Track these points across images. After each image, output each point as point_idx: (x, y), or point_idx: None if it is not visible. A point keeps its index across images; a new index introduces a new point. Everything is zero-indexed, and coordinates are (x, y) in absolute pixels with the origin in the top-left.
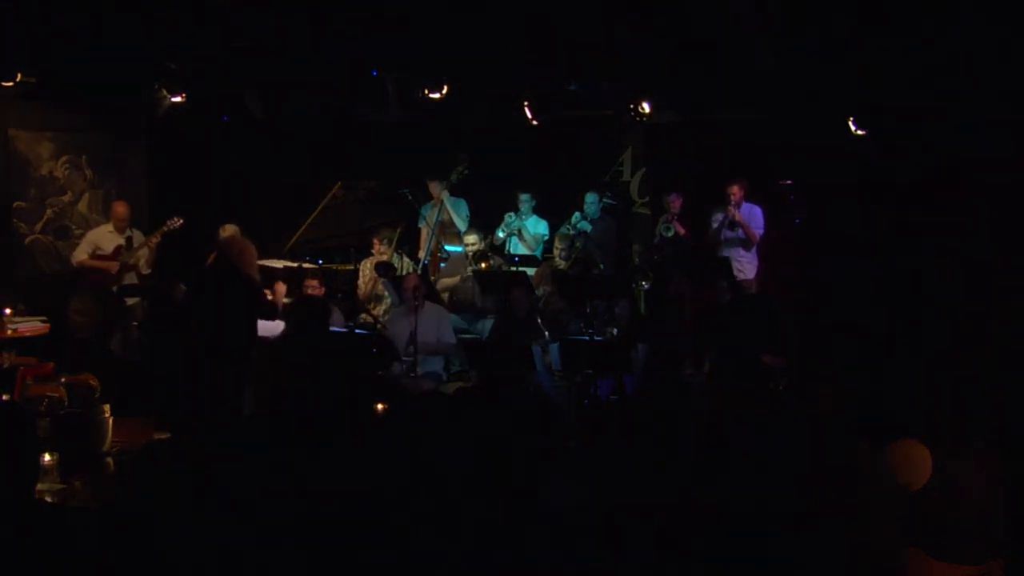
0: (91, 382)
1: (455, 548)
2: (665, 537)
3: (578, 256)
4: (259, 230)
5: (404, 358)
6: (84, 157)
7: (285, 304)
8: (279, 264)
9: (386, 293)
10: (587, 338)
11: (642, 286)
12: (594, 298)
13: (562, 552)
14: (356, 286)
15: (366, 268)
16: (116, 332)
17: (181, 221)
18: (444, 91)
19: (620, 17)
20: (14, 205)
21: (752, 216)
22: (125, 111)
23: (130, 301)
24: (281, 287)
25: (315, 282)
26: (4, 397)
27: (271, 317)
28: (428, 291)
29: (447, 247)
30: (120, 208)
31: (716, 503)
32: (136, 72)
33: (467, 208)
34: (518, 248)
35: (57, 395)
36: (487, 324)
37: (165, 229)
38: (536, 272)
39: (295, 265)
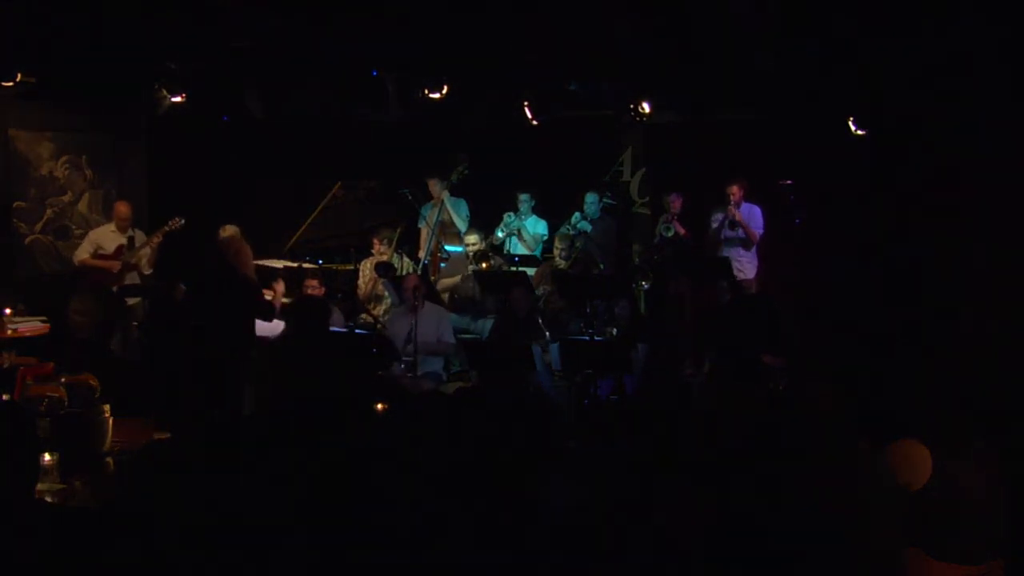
0: (91, 382)
1: (455, 548)
2: (665, 537)
3: (578, 256)
4: (259, 230)
5: (404, 358)
6: (84, 157)
7: (284, 304)
8: (279, 264)
9: (386, 293)
10: (587, 338)
11: (642, 286)
12: (594, 298)
13: (562, 552)
14: (356, 286)
15: (366, 268)
16: (116, 332)
17: (183, 221)
18: (444, 91)
19: (620, 17)
20: (14, 205)
21: (752, 216)
22: (125, 111)
23: (131, 301)
24: (280, 286)
25: (315, 282)
26: (4, 397)
27: (269, 317)
28: (428, 291)
29: (447, 247)
30: (122, 208)
31: (716, 503)
32: (136, 72)
33: (467, 208)
34: (517, 248)
35: (57, 395)
36: (487, 324)
37: (167, 229)
38: (536, 272)
39: (295, 265)
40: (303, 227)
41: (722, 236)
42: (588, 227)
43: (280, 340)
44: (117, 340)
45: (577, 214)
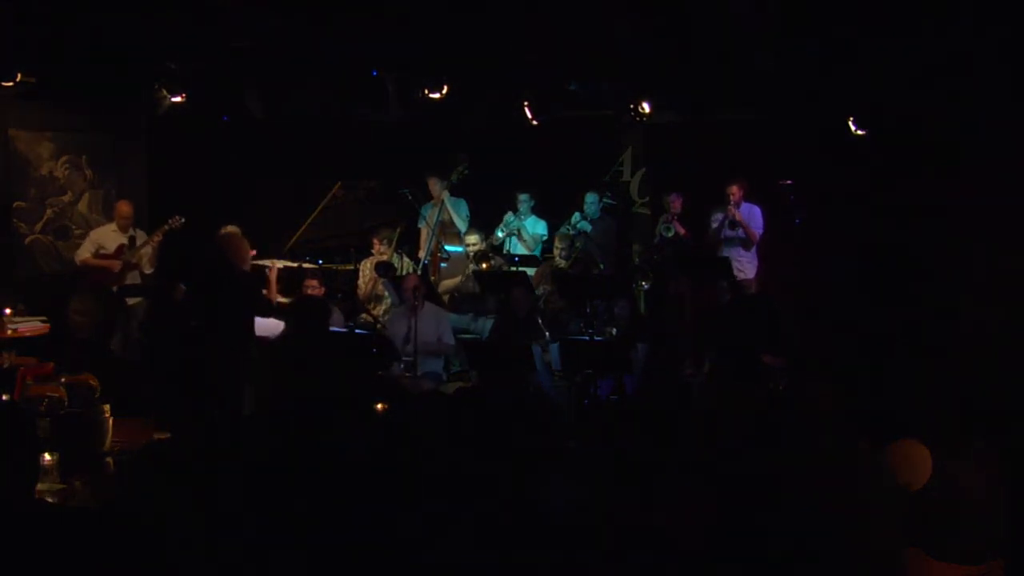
0: (91, 382)
1: (455, 548)
2: (665, 537)
3: (578, 256)
4: (259, 230)
5: (404, 358)
6: (84, 157)
7: (285, 303)
8: (279, 264)
9: (386, 293)
10: (587, 338)
11: (642, 286)
12: (594, 298)
13: (562, 552)
14: (356, 286)
15: (366, 268)
16: (116, 332)
17: (183, 219)
18: (444, 91)
19: (620, 17)
20: (14, 205)
21: (752, 216)
22: (125, 111)
23: (131, 301)
24: (272, 274)
25: (315, 282)
26: (4, 397)
27: (268, 313)
28: (428, 291)
29: (447, 247)
30: (124, 207)
31: (716, 503)
32: (136, 72)
33: (467, 208)
34: (517, 248)
35: (57, 395)
36: (487, 324)
37: (167, 228)
38: (536, 272)
39: (295, 265)
40: (303, 227)
41: (722, 236)
42: (588, 227)
43: (280, 340)
44: (117, 340)
45: (577, 214)
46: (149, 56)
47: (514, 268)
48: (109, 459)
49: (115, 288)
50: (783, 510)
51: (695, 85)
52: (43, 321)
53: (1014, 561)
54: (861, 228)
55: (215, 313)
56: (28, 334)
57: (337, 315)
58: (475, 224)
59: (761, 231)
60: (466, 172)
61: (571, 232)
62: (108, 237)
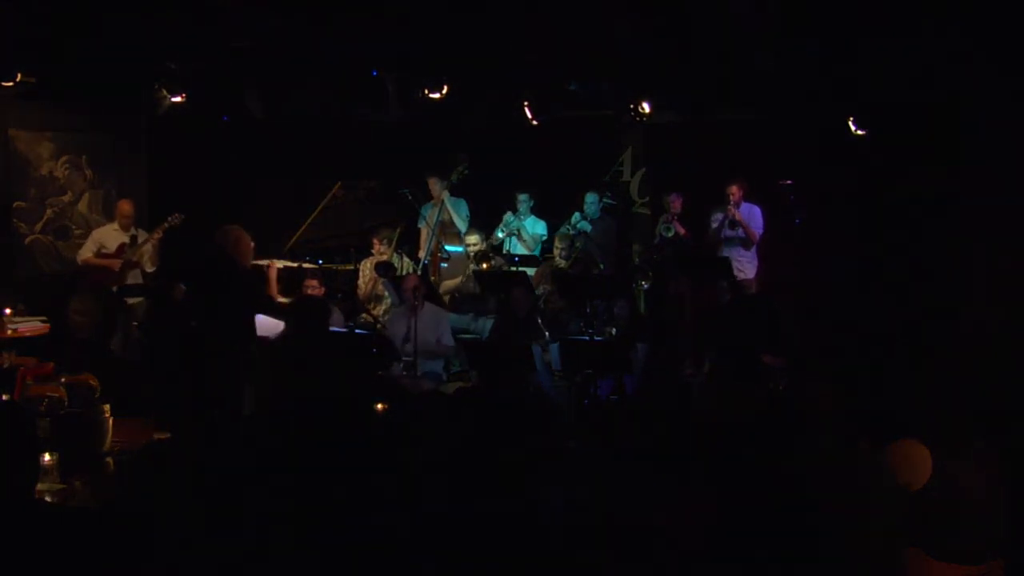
0: (91, 382)
1: (455, 548)
2: (665, 537)
3: (578, 256)
4: (259, 230)
5: (404, 358)
6: (84, 157)
7: (285, 303)
8: (280, 264)
9: (386, 293)
10: (587, 338)
11: (642, 286)
12: (594, 298)
13: (562, 552)
14: (356, 286)
15: (366, 268)
16: (116, 332)
17: (182, 217)
18: (444, 91)
19: (620, 17)
20: (14, 205)
21: (752, 216)
22: (125, 111)
23: (131, 301)
24: (272, 271)
25: (315, 282)
26: (4, 397)
27: (270, 310)
28: (428, 291)
29: (447, 247)
30: (125, 206)
31: (716, 503)
32: (136, 72)
33: (467, 208)
34: (517, 248)
35: (57, 395)
36: (487, 324)
37: (167, 225)
38: (536, 272)
39: (295, 265)
40: (303, 227)
41: (722, 236)
42: (588, 227)
43: (280, 340)
44: (117, 340)
45: (577, 214)
46: (149, 56)
47: (514, 268)
48: (109, 459)
49: (115, 288)
50: (783, 510)
51: (695, 85)
52: (43, 321)
53: (1014, 561)
54: (861, 228)
55: (216, 311)
56: (28, 334)
57: (337, 315)
58: (475, 224)
59: (761, 231)
60: (466, 172)
61: (571, 232)
62: (110, 237)
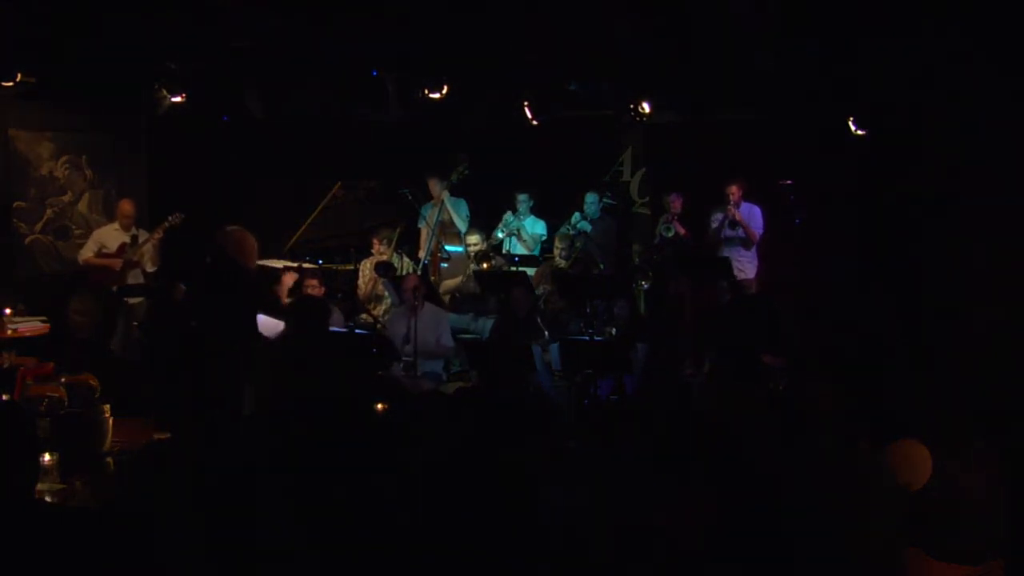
0: (91, 382)
1: (455, 549)
2: (665, 537)
3: (578, 256)
4: (259, 230)
5: (404, 358)
6: (84, 157)
7: (285, 302)
8: (279, 264)
9: (386, 293)
10: (587, 338)
11: (642, 286)
12: (594, 298)
13: (562, 552)
14: (356, 286)
15: (366, 268)
16: (116, 332)
17: (183, 216)
18: (444, 91)
19: (620, 17)
20: (14, 205)
21: (752, 216)
22: (125, 111)
23: (132, 301)
24: (289, 278)
25: (315, 282)
26: (4, 397)
27: (275, 311)
28: (428, 291)
29: (447, 247)
30: (126, 206)
31: (717, 503)
32: (136, 72)
33: (467, 208)
34: (516, 248)
35: (57, 395)
36: (487, 324)
37: (167, 225)
38: (536, 272)
39: (295, 265)
40: (303, 227)
41: (722, 236)
42: (588, 227)
43: (280, 340)
44: (117, 340)
45: (577, 214)
46: (149, 56)
47: (514, 268)
48: (109, 459)
49: (115, 288)
50: (783, 510)
51: (695, 85)
52: (43, 321)
53: (1014, 561)
54: (861, 228)
55: (217, 312)
56: (28, 334)
57: (337, 315)
58: (475, 224)
59: (761, 231)
60: (466, 172)
61: (571, 232)
62: (110, 236)
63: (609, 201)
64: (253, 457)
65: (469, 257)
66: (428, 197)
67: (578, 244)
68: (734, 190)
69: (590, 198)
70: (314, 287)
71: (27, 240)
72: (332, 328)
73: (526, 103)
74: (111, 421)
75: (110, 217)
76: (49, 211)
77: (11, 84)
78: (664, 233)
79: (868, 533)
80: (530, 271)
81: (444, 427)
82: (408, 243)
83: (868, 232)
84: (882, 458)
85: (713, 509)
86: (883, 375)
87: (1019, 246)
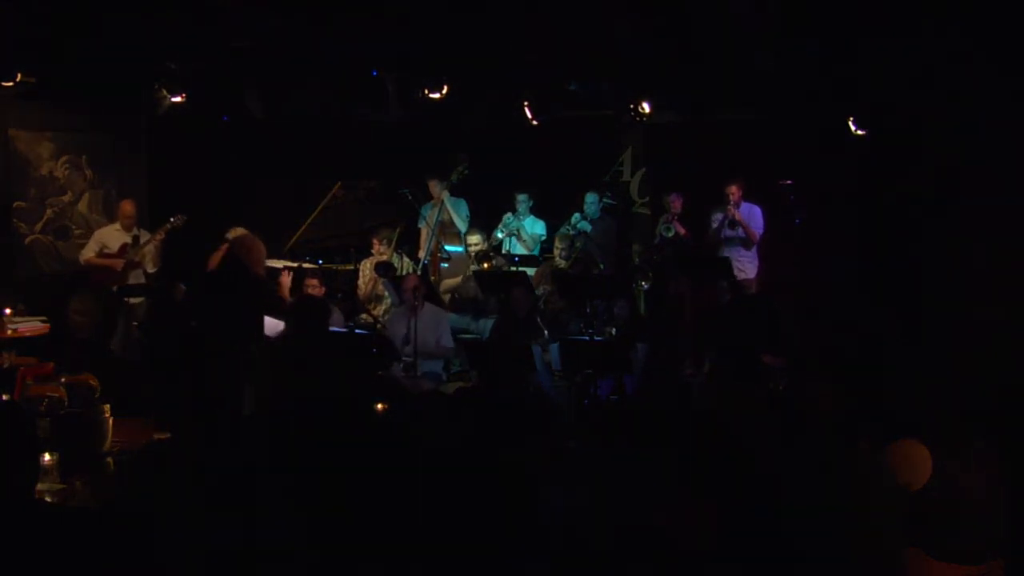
0: (91, 382)
1: (455, 549)
2: (665, 537)
3: (578, 256)
4: (259, 230)
5: (404, 358)
6: (84, 157)
7: (285, 303)
8: (279, 264)
9: (386, 293)
10: (587, 338)
11: (642, 286)
12: (594, 298)
13: (562, 552)
14: (356, 286)
15: (366, 268)
16: (116, 332)
17: (185, 218)
18: (444, 91)
19: (620, 17)
20: (14, 205)
21: (752, 216)
22: (125, 111)
23: (133, 300)
24: (286, 278)
25: (315, 282)
26: (4, 397)
27: (278, 312)
28: (428, 291)
29: (447, 247)
30: (127, 207)
31: (716, 503)
32: (136, 72)
33: (467, 208)
34: (516, 248)
35: (57, 395)
36: (487, 324)
37: (169, 226)
38: (536, 272)
39: (295, 265)
40: (303, 227)
41: (722, 236)
42: (588, 227)
43: (280, 340)
44: (117, 340)
45: (577, 214)
46: (149, 56)
47: (514, 268)
48: (109, 459)
49: (115, 288)
50: (783, 510)
51: (695, 85)
52: (43, 321)
53: (1014, 561)
54: (861, 228)
55: (220, 313)
56: (28, 334)
57: (337, 315)
58: (475, 224)
59: (762, 231)
60: (466, 172)
61: (571, 232)
62: (112, 237)
63: (609, 201)
64: (253, 457)
65: (470, 257)
66: (428, 197)
67: (578, 244)
68: (734, 190)
69: (590, 198)
70: (314, 287)
71: (27, 240)
72: (332, 328)
73: (526, 103)
74: (111, 421)
75: (110, 217)
76: (49, 211)
77: (11, 84)
78: (664, 233)
79: (868, 533)
80: (530, 271)
81: (444, 427)
82: (408, 243)
83: (868, 232)
84: (882, 458)
85: (713, 509)
86: (883, 375)
87: (1019, 246)
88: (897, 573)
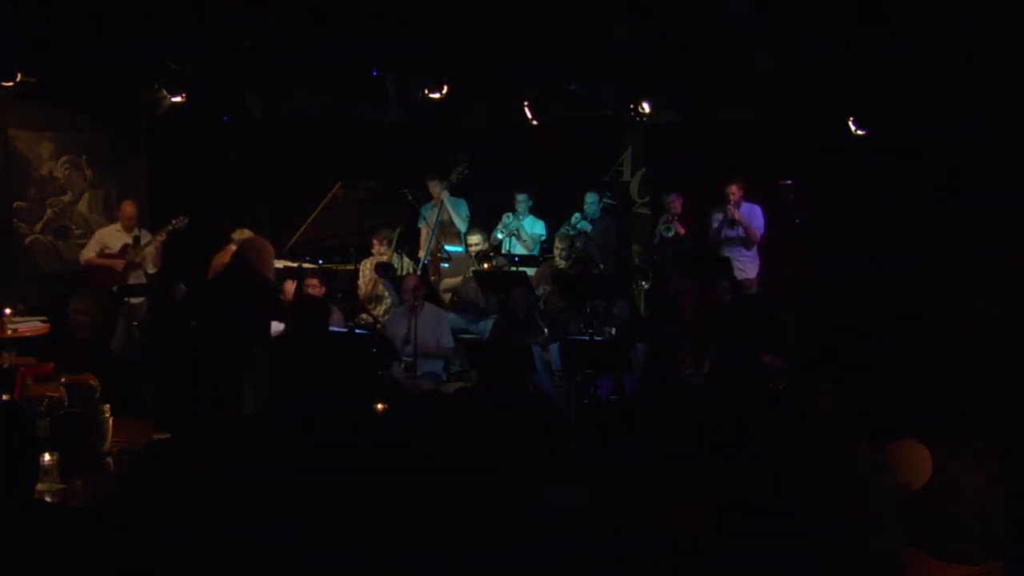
0: (91, 382)
1: (455, 549)
2: (665, 537)
3: (578, 256)
4: (259, 230)
5: (404, 358)
6: (84, 157)
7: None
8: (279, 264)
9: (386, 293)
10: (587, 338)
11: (642, 286)
12: (594, 298)
13: (562, 553)
14: (356, 286)
15: (366, 268)
16: (116, 332)
17: (187, 220)
18: (444, 91)
19: (620, 17)
20: (14, 205)
21: (752, 215)
22: (125, 111)
23: (134, 300)
24: (289, 285)
25: (315, 282)
26: (4, 397)
27: (280, 317)
28: (428, 291)
29: (447, 247)
30: (128, 207)
31: (716, 503)
32: (136, 72)
33: (467, 208)
34: (516, 248)
35: (57, 395)
36: (488, 324)
37: (170, 228)
38: (536, 272)
39: (295, 265)
40: (303, 227)
41: (722, 236)
42: (588, 227)
43: (280, 340)
44: (117, 340)
45: (577, 214)
46: (149, 56)
47: (514, 268)
48: (109, 459)
49: (116, 288)
50: (783, 510)
51: (695, 85)
52: (43, 321)
53: (1014, 561)
54: (861, 228)
55: (223, 314)
56: (28, 334)
57: (337, 315)
58: (475, 224)
59: (762, 231)
60: (466, 172)
61: (571, 232)
62: (112, 237)
63: (609, 201)
64: (253, 457)
65: (470, 257)
66: (428, 197)
67: (578, 244)
68: (734, 190)
69: (590, 198)
70: (314, 287)
71: (27, 240)
72: (332, 328)
73: (526, 103)
74: (111, 421)
75: (110, 217)
76: (49, 211)
77: (11, 84)
78: (664, 233)
79: (868, 533)
80: (530, 271)
81: (444, 427)
82: (408, 243)
83: (868, 232)
84: (882, 458)
85: (713, 509)
86: (883, 375)
87: (1019, 246)
88: (897, 573)
